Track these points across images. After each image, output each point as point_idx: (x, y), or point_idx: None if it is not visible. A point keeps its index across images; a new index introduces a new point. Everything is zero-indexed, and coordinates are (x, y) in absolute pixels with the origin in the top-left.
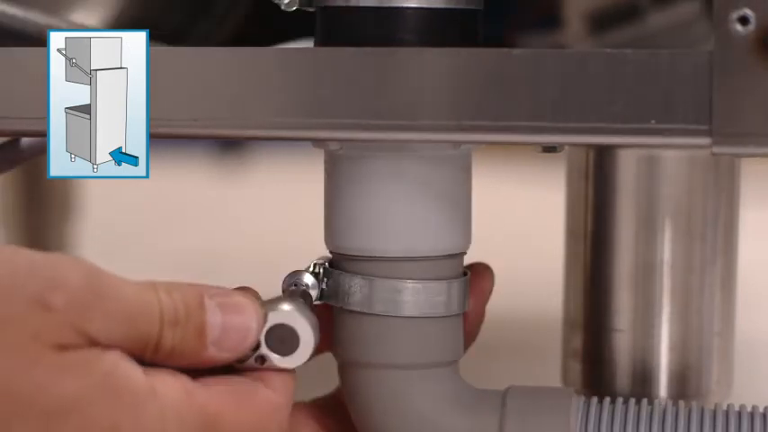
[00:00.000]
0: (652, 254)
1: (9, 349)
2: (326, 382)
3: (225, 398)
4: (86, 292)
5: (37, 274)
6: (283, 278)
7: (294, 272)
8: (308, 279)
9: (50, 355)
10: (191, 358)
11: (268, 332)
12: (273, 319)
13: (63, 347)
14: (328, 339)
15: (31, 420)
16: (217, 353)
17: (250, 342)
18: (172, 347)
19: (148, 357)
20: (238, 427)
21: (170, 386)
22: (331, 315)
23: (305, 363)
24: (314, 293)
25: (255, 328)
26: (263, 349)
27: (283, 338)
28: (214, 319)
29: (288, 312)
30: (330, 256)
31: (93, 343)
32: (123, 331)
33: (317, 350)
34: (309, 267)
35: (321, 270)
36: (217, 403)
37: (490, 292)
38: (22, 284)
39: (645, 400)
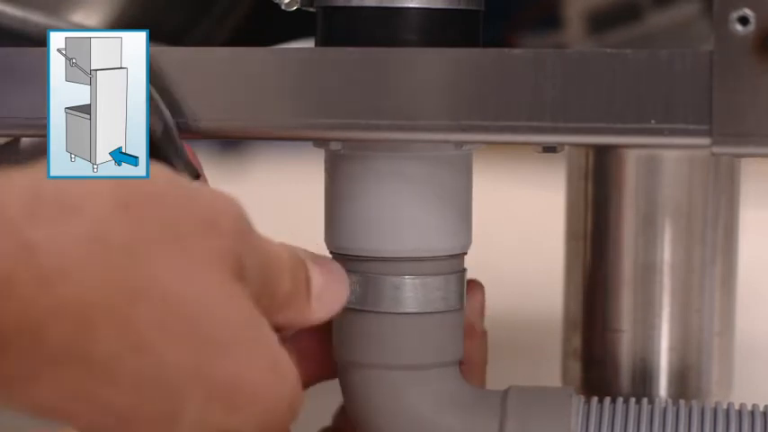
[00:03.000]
0: (652, 254)
1: (186, 265)
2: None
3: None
4: (242, 223)
5: (201, 198)
6: None
7: None
8: None
9: (228, 280)
10: (296, 311)
11: None
12: None
13: (237, 275)
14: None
15: (190, 341)
16: (317, 309)
17: (343, 302)
18: (285, 295)
19: (264, 303)
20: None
21: None
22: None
23: None
24: None
25: (347, 291)
26: None
27: None
28: (315, 274)
29: None
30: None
31: (242, 276)
32: (259, 269)
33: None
34: None
35: None
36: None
37: (483, 305)
38: (189, 205)
39: (645, 400)
